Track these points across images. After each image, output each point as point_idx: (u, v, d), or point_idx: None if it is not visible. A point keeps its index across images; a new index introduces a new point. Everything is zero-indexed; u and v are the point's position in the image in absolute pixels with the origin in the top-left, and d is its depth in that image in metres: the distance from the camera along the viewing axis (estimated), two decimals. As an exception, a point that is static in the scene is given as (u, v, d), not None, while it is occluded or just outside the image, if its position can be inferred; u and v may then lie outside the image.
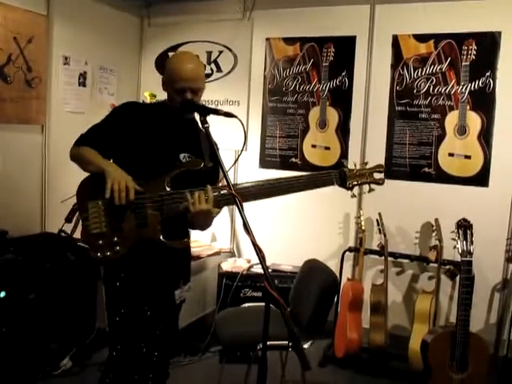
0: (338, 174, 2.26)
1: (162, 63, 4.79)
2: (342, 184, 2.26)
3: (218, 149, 1.95)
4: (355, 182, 2.27)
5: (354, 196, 2.32)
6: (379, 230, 3.82)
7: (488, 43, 3.71)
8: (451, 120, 3.86)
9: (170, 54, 4.76)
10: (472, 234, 3.07)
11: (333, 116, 4.28)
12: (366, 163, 2.33)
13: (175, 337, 2.48)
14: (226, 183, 1.80)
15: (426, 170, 3.96)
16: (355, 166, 2.30)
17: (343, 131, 4.24)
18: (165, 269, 2.27)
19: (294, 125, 4.43)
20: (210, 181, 2.27)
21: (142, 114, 2.29)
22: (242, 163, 4.60)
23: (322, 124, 4.32)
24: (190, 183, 2.27)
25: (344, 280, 3.86)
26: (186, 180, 2.21)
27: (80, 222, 2.18)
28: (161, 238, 2.11)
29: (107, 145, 2.23)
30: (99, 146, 2.20)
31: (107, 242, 2.08)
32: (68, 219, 3.43)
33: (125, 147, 2.22)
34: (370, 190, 2.30)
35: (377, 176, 2.32)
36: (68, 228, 3.56)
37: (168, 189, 2.12)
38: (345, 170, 2.27)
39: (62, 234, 3.59)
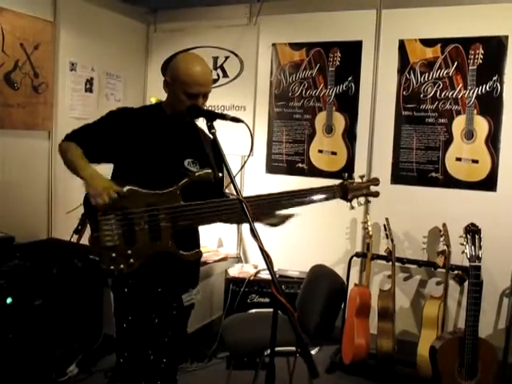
0: (339, 188, 2.35)
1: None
2: (344, 197, 2.37)
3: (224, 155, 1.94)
4: (354, 194, 2.38)
5: (352, 208, 2.41)
6: (386, 235, 3.80)
7: (495, 47, 3.69)
8: (458, 124, 3.84)
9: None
10: (480, 239, 3.05)
11: (339, 121, 4.26)
12: (363, 176, 2.45)
13: (184, 344, 2.46)
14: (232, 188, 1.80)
15: (434, 174, 3.94)
16: (354, 179, 2.41)
17: (350, 136, 4.23)
18: (174, 277, 2.24)
19: (301, 130, 4.42)
20: (217, 188, 2.27)
21: (139, 120, 2.22)
22: (249, 169, 4.60)
23: (329, 129, 4.31)
24: (196, 192, 2.26)
25: (351, 285, 3.85)
26: (193, 189, 2.20)
27: (86, 230, 2.15)
28: (180, 252, 2.09)
29: (96, 146, 2.16)
30: (87, 145, 2.13)
31: (121, 254, 2.01)
32: (77, 231, 3.29)
33: (125, 155, 2.16)
34: (367, 202, 2.46)
35: (373, 189, 2.45)
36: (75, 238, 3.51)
37: (181, 201, 2.08)
38: (345, 183, 2.36)
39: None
